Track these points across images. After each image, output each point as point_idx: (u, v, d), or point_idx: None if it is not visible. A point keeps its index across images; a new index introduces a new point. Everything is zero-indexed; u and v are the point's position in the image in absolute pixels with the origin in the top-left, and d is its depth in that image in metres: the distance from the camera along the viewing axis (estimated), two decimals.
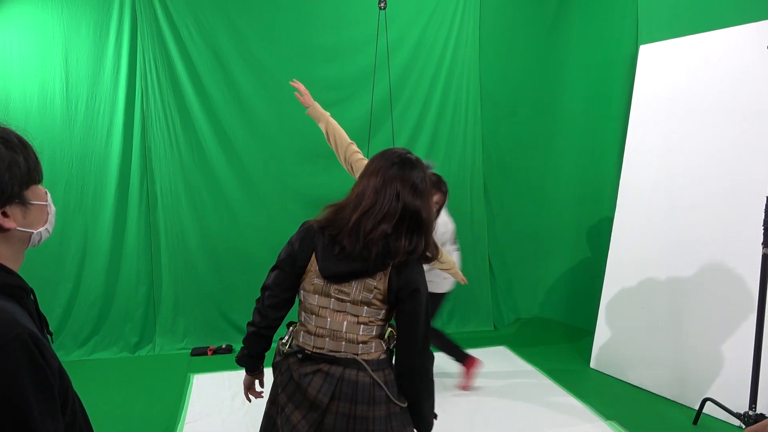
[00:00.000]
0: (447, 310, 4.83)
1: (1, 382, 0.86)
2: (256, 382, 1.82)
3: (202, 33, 4.15)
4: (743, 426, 2.82)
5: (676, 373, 3.45)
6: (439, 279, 3.29)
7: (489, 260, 4.93)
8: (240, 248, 4.35)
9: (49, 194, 1.08)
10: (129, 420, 3.16)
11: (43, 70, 3.94)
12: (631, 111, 3.92)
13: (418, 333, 1.53)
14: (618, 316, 3.83)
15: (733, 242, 3.20)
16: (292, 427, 1.53)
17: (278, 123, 4.37)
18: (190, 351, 4.17)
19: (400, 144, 4.54)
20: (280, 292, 1.62)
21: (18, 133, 1.01)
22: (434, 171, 3.15)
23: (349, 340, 1.53)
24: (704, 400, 3.11)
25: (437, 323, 4.10)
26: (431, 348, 1.62)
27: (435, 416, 1.66)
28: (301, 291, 1.60)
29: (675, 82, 3.65)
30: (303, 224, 1.63)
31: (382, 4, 3.48)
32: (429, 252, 1.55)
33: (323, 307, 1.55)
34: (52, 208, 1.08)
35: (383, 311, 1.55)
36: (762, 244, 2.70)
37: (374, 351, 1.55)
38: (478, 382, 3.66)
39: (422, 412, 1.61)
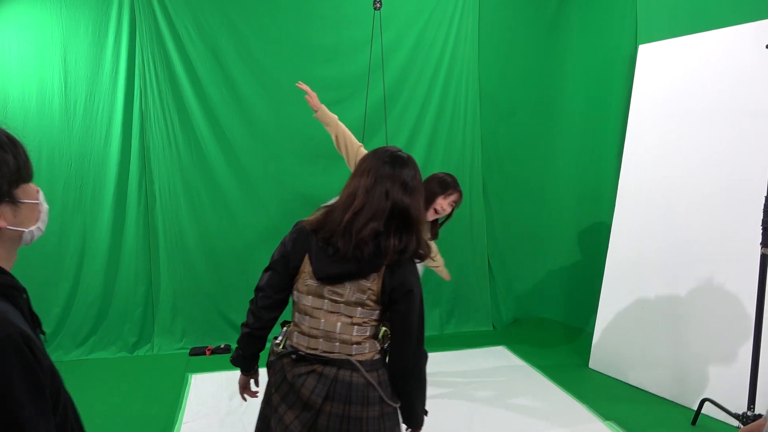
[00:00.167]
0: (446, 310, 4.83)
1: None
2: (251, 381, 1.82)
3: (201, 33, 4.15)
4: (741, 426, 2.82)
5: (674, 373, 3.44)
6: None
7: (488, 260, 4.92)
8: (239, 248, 4.35)
9: (41, 192, 1.07)
10: (126, 420, 3.16)
11: (41, 69, 3.94)
12: (630, 111, 3.92)
13: (412, 333, 1.53)
14: (616, 316, 3.82)
15: (732, 242, 3.20)
16: (285, 427, 1.53)
17: (277, 123, 4.36)
18: (189, 351, 4.17)
19: (399, 143, 4.54)
20: (273, 293, 1.62)
21: (8, 131, 1.00)
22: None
23: (342, 341, 1.53)
24: (703, 401, 3.11)
25: None
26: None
27: (426, 413, 1.67)
28: (295, 292, 1.60)
29: (674, 81, 3.64)
30: (296, 225, 1.62)
31: (377, 5, 3.47)
32: (421, 250, 1.55)
33: (317, 308, 1.55)
34: (45, 207, 1.08)
35: (377, 312, 1.55)
36: (761, 244, 2.70)
37: (368, 351, 1.55)
38: (476, 381, 3.66)
39: (414, 410, 1.62)
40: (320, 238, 1.53)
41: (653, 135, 3.73)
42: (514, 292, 5.10)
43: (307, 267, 1.55)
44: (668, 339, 3.49)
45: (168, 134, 4.18)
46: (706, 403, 3.10)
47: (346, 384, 1.50)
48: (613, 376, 3.78)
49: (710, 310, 3.28)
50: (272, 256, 1.63)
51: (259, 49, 4.27)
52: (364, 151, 2.35)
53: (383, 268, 1.50)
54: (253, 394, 1.82)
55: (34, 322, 1.11)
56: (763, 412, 2.76)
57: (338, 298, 1.52)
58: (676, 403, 3.37)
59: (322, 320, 1.54)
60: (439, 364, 3.99)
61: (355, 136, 2.69)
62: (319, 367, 1.53)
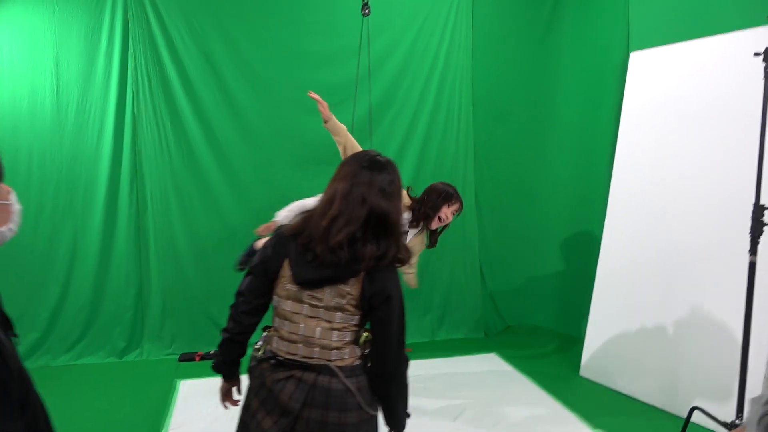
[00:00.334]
0: (438, 317, 4.82)
1: None
2: (234, 389, 1.80)
3: (194, 37, 4.15)
4: None
5: (664, 382, 3.43)
6: None
7: (480, 267, 4.91)
8: (230, 253, 4.30)
9: (13, 193, 1.06)
10: (112, 426, 3.13)
11: (33, 73, 3.93)
12: (622, 118, 3.92)
13: (392, 339, 1.52)
14: (607, 323, 3.81)
15: (723, 250, 3.20)
16: None
17: (269, 127, 4.36)
18: (178, 357, 4.14)
19: (392, 148, 4.55)
20: (253, 298, 1.61)
21: None
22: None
23: (322, 346, 1.52)
24: (692, 409, 3.09)
25: None
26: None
27: (408, 415, 1.66)
28: (275, 297, 1.59)
29: (665, 89, 3.65)
30: (277, 230, 1.62)
31: (366, 11, 3.49)
32: (401, 254, 1.54)
33: (296, 313, 1.53)
34: (17, 207, 1.07)
35: (357, 317, 1.54)
36: (749, 251, 2.70)
37: (348, 357, 1.54)
38: (467, 388, 3.65)
39: (395, 413, 1.61)
40: (299, 243, 1.52)
41: (644, 142, 3.74)
42: (506, 299, 5.09)
43: (286, 272, 1.54)
44: (659, 347, 3.47)
45: (160, 138, 4.17)
46: (696, 412, 3.08)
47: (325, 390, 1.49)
48: (603, 384, 3.77)
49: (700, 317, 3.27)
50: (253, 261, 1.63)
51: (251, 54, 4.28)
52: None
53: (362, 273, 1.49)
54: (235, 403, 1.80)
55: (6, 324, 1.10)
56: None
57: (317, 303, 1.51)
58: (667, 412, 3.35)
59: (302, 325, 1.53)
60: (430, 370, 3.97)
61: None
62: (298, 373, 1.52)
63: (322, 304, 1.51)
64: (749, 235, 2.69)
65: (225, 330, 1.66)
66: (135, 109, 4.11)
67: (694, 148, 3.43)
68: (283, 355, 1.54)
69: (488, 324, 4.92)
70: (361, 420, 1.52)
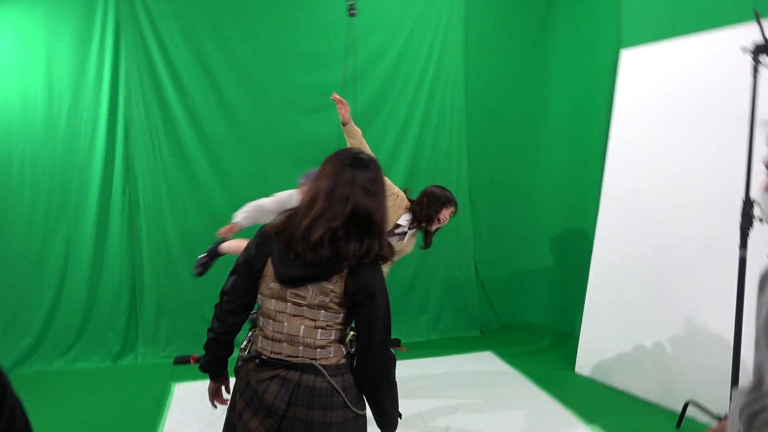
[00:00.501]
0: (433, 316, 4.82)
1: None
2: (222, 388, 1.79)
3: (186, 38, 4.14)
4: None
5: (659, 377, 3.43)
6: None
7: (475, 265, 4.91)
8: (224, 255, 4.32)
9: None
10: (108, 431, 3.12)
11: (25, 76, 3.92)
12: (613, 116, 3.93)
13: (377, 337, 1.51)
14: (602, 320, 3.81)
15: (715, 245, 3.20)
16: None
17: (262, 128, 4.36)
18: (173, 359, 4.13)
19: (385, 149, 4.55)
20: (237, 298, 1.60)
21: None
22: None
23: (306, 345, 1.51)
24: (686, 403, 3.10)
25: None
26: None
27: (399, 416, 1.65)
28: (259, 296, 1.59)
29: (656, 86, 3.65)
30: (260, 229, 1.61)
31: (353, 11, 3.49)
32: (384, 252, 1.53)
33: (280, 312, 1.53)
34: None
35: (341, 315, 1.53)
36: (739, 246, 2.70)
37: (333, 356, 1.53)
38: (463, 386, 3.64)
39: (384, 413, 1.60)
40: (282, 242, 1.51)
41: (636, 139, 3.74)
42: (501, 297, 5.09)
43: (269, 270, 1.53)
44: (653, 342, 3.47)
45: (152, 141, 4.16)
46: (691, 406, 3.08)
47: (309, 389, 1.48)
48: (598, 380, 3.77)
49: (693, 312, 3.27)
50: (237, 260, 1.62)
51: (243, 55, 4.27)
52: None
53: (345, 270, 1.49)
54: (224, 402, 1.80)
55: None
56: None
57: (301, 301, 1.51)
58: (662, 407, 3.35)
59: (286, 324, 1.52)
60: (426, 369, 3.97)
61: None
62: (282, 372, 1.51)
63: (305, 303, 1.50)
64: (739, 230, 2.70)
65: (210, 329, 1.66)
66: (127, 112, 4.10)
67: (685, 143, 3.44)
68: (267, 354, 1.54)
69: (484, 322, 4.92)
70: (347, 419, 1.51)
